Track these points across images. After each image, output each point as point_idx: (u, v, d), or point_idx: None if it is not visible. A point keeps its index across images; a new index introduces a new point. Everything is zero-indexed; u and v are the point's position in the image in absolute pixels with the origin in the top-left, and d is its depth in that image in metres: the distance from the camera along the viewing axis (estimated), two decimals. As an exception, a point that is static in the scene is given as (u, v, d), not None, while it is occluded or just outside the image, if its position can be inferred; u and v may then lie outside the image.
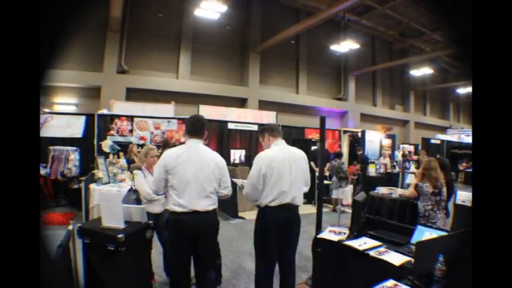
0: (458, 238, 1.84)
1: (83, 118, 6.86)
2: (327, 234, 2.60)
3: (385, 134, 11.81)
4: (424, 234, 2.35)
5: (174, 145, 3.64)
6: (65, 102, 9.38)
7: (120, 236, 2.32)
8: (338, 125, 13.62)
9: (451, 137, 16.88)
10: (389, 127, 13.13)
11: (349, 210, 4.57)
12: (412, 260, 1.95)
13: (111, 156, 5.83)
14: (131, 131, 7.01)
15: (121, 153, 5.91)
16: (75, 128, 6.71)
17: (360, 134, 10.71)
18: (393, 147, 11.58)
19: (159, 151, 3.36)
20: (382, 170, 8.64)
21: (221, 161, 2.40)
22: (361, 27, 13.61)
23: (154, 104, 8.50)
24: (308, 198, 6.87)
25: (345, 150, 9.97)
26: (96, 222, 2.65)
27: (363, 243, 2.38)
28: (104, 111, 7.10)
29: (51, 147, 6.04)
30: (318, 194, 3.79)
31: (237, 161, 7.57)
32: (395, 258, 2.11)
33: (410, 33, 14.06)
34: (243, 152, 7.80)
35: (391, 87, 17.21)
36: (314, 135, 9.25)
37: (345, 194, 6.91)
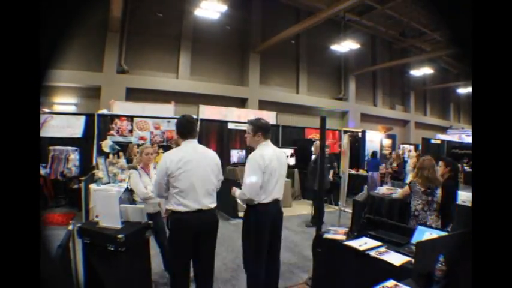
0: (459, 238, 1.84)
1: (82, 118, 6.85)
2: (327, 234, 2.61)
3: (385, 134, 11.80)
4: (424, 234, 2.35)
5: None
6: (64, 102, 9.38)
7: (120, 236, 2.33)
8: (338, 125, 13.62)
9: (452, 137, 16.89)
10: (389, 127, 13.12)
11: (349, 210, 4.57)
12: (413, 260, 1.95)
13: (111, 156, 5.83)
14: (131, 131, 7.01)
15: (121, 153, 5.91)
16: (75, 128, 6.70)
17: (360, 134, 10.71)
18: (393, 148, 11.57)
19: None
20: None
21: (216, 157, 2.47)
22: (361, 27, 13.62)
23: (154, 104, 8.50)
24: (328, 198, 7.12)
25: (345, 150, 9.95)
26: (96, 222, 2.65)
27: (363, 243, 2.38)
28: (104, 111, 7.10)
29: (51, 147, 6.04)
30: (317, 194, 3.79)
31: (236, 161, 7.57)
32: (396, 259, 2.11)
33: (411, 33, 14.07)
34: (243, 152, 7.80)
35: (391, 87, 17.21)
36: (314, 135, 9.24)
37: None
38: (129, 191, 3.08)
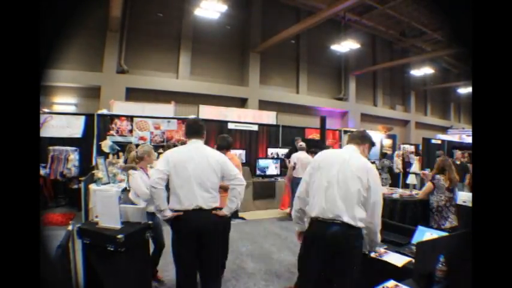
0: (459, 238, 1.84)
1: (82, 118, 6.85)
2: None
3: (385, 134, 11.81)
4: (424, 234, 2.35)
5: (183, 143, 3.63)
6: (64, 102, 9.38)
7: (119, 236, 2.32)
8: (338, 125, 13.62)
9: (452, 137, 16.87)
10: (390, 127, 13.12)
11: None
12: (413, 261, 1.95)
13: (110, 156, 5.84)
14: (131, 131, 7.01)
15: (120, 153, 5.92)
16: (75, 128, 6.70)
17: (360, 134, 10.68)
18: (394, 148, 11.57)
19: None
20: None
21: (220, 157, 2.43)
22: (361, 27, 13.61)
23: (154, 104, 8.51)
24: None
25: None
26: (96, 222, 2.65)
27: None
28: (104, 111, 7.10)
29: (50, 148, 6.04)
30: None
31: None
32: (396, 259, 2.11)
33: (411, 32, 14.06)
34: (243, 152, 7.80)
35: (391, 87, 17.20)
36: (314, 135, 9.25)
37: None
38: (125, 191, 3.06)
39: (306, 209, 2.09)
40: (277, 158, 7.68)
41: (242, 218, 5.96)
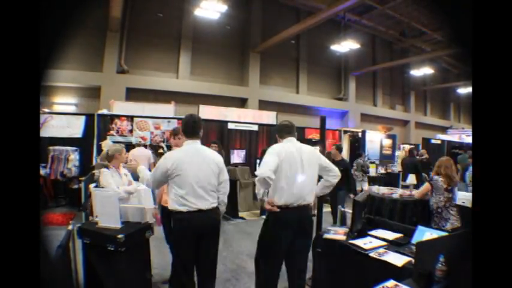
0: (459, 238, 1.84)
1: (82, 118, 6.86)
2: (327, 235, 2.61)
3: (385, 134, 11.81)
4: (424, 234, 2.35)
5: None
6: (64, 102, 9.38)
7: (120, 236, 2.33)
8: (338, 125, 13.61)
9: (452, 137, 16.88)
10: (389, 127, 13.12)
11: (350, 210, 4.56)
12: (413, 260, 1.95)
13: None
14: (131, 131, 7.01)
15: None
16: (75, 128, 6.70)
17: (360, 134, 10.71)
18: (394, 148, 11.58)
19: (171, 140, 3.26)
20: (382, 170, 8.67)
21: (220, 159, 2.46)
22: (361, 27, 13.61)
23: (154, 104, 8.51)
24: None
25: (346, 150, 9.98)
26: (96, 222, 2.65)
27: (368, 242, 2.40)
28: (104, 111, 7.10)
29: (50, 147, 6.04)
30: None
31: (236, 161, 7.57)
32: (396, 259, 2.11)
33: (411, 33, 14.06)
34: (243, 152, 7.80)
35: (391, 87, 17.20)
36: (314, 135, 9.24)
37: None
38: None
39: (270, 193, 2.38)
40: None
41: (242, 218, 5.96)
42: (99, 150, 6.34)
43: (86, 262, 2.48)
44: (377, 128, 12.94)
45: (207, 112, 9.20)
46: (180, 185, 2.25)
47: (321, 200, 3.41)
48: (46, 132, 6.19)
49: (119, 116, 6.98)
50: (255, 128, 8.62)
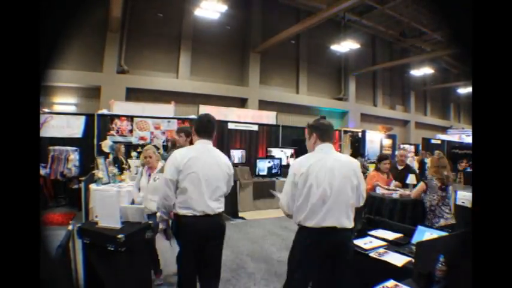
0: (459, 238, 1.84)
1: (82, 118, 6.86)
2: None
3: (385, 134, 11.82)
4: (424, 234, 2.35)
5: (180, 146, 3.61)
6: (64, 102, 9.38)
7: (120, 236, 2.32)
8: (338, 125, 13.62)
9: (452, 137, 16.89)
10: (389, 127, 13.13)
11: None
12: (413, 260, 1.95)
13: (111, 156, 5.83)
14: (131, 131, 7.02)
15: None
16: (75, 128, 6.70)
17: (360, 134, 10.72)
18: (393, 148, 11.58)
19: (167, 152, 3.32)
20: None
21: (230, 164, 2.37)
22: (361, 27, 13.61)
23: (154, 104, 8.51)
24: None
25: (345, 150, 9.99)
26: (96, 222, 2.65)
27: (368, 242, 2.41)
28: (104, 111, 7.11)
29: (50, 147, 6.04)
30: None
31: (236, 161, 7.57)
32: (397, 259, 2.11)
33: (411, 33, 14.06)
34: (243, 152, 7.79)
35: (391, 87, 17.21)
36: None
37: None
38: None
39: (296, 216, 2.08)
40: (277, 158, 7.68)
41: (242, 218, 5.96)
42: (99, 150, 6.34)
43: (86, 262, 2.48)
44: (377, 128, 12.95)
45: (207, 112, 9.20)
46: (188, 186, 2.13)
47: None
48: (46, 132, 6.19)
49: (119, 116, 6.98)
50: (255, 128, 8.62)
